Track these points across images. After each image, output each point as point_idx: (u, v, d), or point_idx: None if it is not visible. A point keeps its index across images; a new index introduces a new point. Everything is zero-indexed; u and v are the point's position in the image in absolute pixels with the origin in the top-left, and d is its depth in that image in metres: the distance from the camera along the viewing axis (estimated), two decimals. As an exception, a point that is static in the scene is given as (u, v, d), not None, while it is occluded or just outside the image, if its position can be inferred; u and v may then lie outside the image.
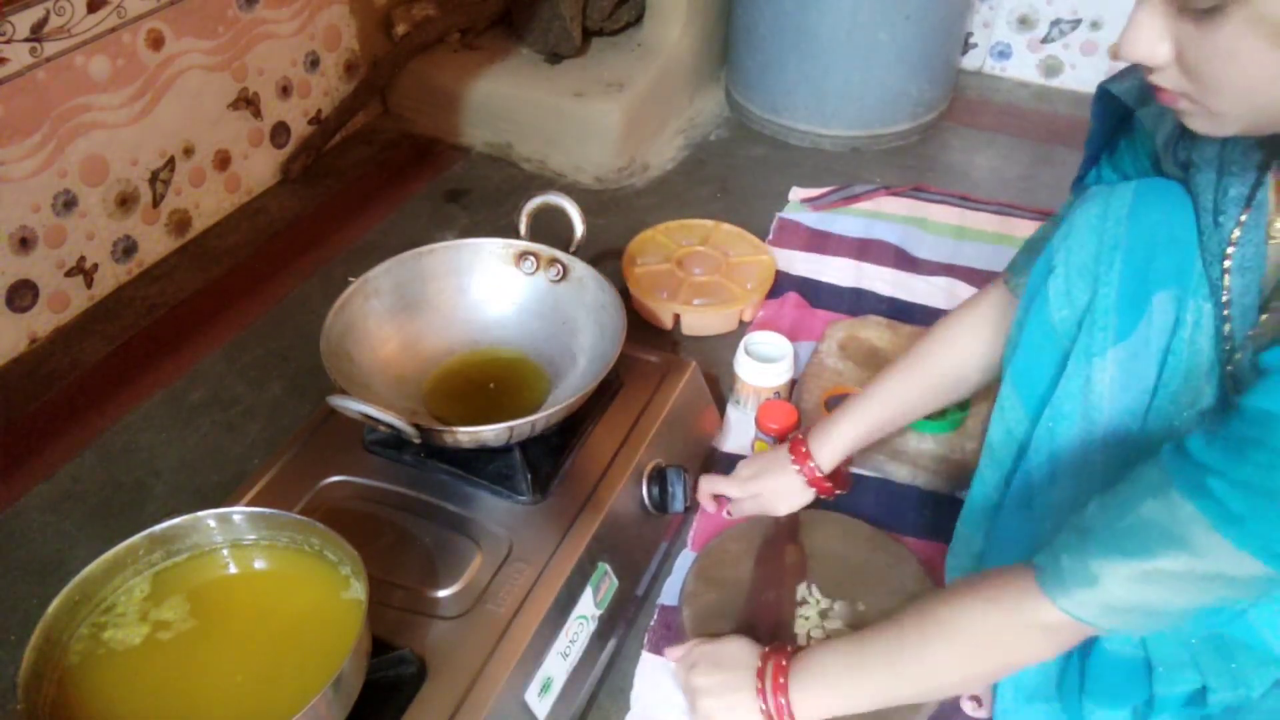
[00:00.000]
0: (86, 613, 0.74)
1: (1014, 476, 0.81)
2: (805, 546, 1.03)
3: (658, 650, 0.98)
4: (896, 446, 1.15)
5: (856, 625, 0.94)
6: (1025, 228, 1.58)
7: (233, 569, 0.79)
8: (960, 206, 1.65)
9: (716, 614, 0.96)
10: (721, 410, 1.24)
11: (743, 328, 1.39)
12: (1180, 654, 0.75)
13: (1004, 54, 2.06)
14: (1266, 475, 0.54)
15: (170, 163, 1.49)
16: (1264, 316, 0.65)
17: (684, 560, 1.06)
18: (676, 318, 1.38)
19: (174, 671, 0.72)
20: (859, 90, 1.77)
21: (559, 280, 1.07)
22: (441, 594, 0.84)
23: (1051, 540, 0.66)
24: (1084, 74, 2.00)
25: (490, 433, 0.87)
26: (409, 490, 0.93)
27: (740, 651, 0.86)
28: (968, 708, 0.91)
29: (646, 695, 0.94)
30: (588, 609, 0.89)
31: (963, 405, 1.16)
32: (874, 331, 1.32)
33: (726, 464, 1.17)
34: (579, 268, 1.06)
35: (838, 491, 1.03)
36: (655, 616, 1.01)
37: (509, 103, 1.80)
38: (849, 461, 1.03)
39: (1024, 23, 2.00)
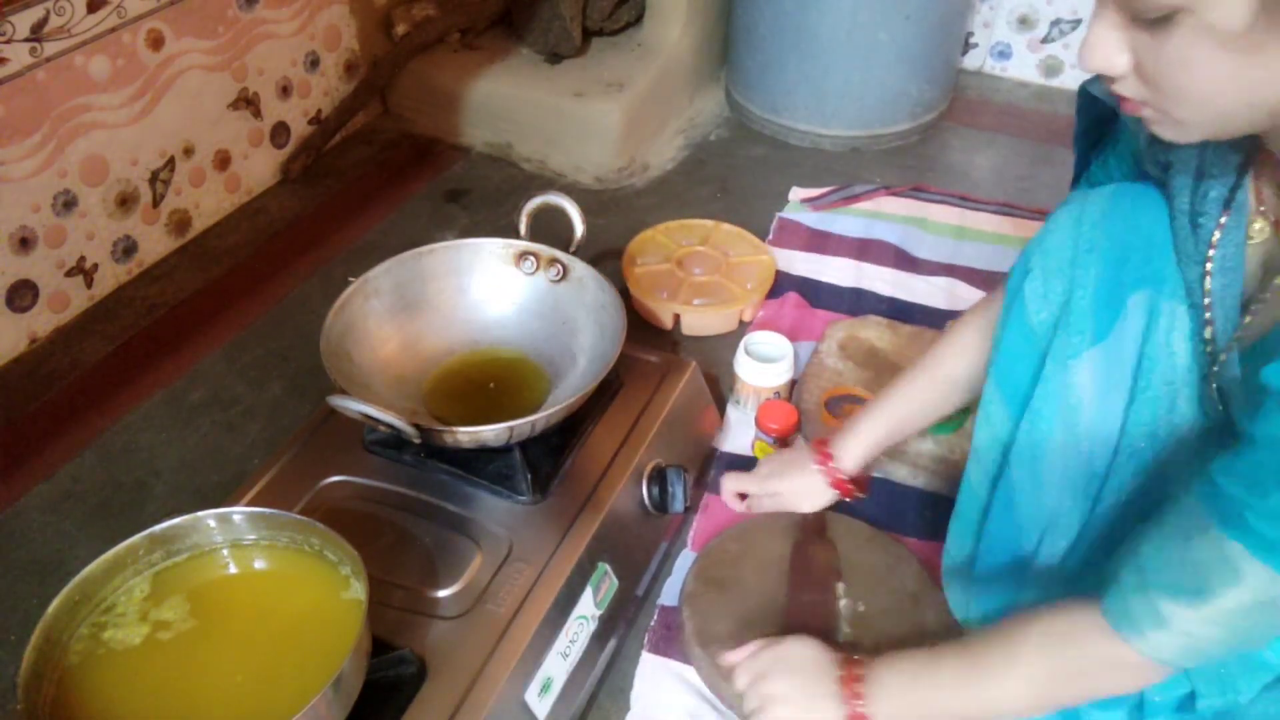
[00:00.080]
0: (86, 613, 0.74)
1: (999, 479, 0.81)
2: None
3: (658, 650, 0.97)
4: (896, 447, 1.15)
5: (857, 625, 0.94)
6: (1025, 228, 1.58)
7: (233, 569, 0.79)
8: (960, 206, 1.65)
9: (717, 614, 0.96)
10: (721, 410, 1.24)
11: (743, 328, 1.39)
12: None
13: (1004, 54, 2.06)
14: None
15: (170, 163, 1.49)
16: (1247, 318, 0.65)
17: (684, 560, 1.06)
18: (676, 318, 1.38)
19: (174, 671, 0.72)
20: (859, 90, 1.77)
21: (559, 280, 1.07)
22: (441, 594, 0.84)
23: (1116, 579, 0.65)
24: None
25: (490, 433, 0.87)
26: (409, 490, 0.93)
27: (811, 653, 0.82)
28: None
29: (646, 695, 0.94)
30: (588, 609, 0.89)
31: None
32: (874, 331, 1.32)
33: (726, 464, 1.17)
34: (579, 268, 1.06)
35: (859, 495, 1.03)
36: (655, 617, 1.01)
37: (509, 103, 1.80)
38: (872, 465, 1.03)
39: (1024, 23, 2.00)
